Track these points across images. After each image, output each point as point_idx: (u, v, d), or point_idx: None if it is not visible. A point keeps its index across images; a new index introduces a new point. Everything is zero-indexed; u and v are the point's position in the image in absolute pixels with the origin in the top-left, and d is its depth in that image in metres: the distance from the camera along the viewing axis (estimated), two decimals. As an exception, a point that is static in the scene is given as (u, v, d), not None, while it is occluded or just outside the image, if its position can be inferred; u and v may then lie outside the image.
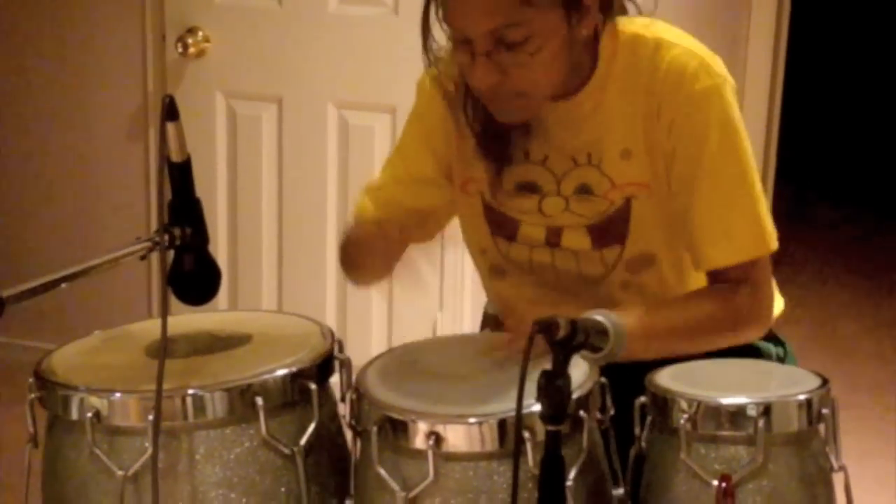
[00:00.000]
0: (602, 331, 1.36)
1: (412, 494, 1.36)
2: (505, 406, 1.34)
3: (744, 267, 1.59)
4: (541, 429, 1.28)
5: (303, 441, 1.42)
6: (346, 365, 1.52)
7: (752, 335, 1.66)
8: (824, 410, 1.41)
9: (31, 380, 1.46)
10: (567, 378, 1.26)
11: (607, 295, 1.69)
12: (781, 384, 1.45)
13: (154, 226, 1.42)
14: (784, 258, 1.70)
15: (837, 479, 1.44)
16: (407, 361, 1.56)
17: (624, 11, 1.63)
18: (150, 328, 1.58)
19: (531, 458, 1.33)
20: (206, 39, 3.13)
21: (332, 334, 1.56)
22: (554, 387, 1.25)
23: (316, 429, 1.44)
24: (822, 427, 1.42)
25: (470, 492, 1.36)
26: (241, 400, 1.40)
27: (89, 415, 1.38)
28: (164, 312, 1.36)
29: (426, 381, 1.49)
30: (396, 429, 1.38)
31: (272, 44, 3.10)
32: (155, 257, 1.41)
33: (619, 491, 1.47)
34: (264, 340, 1.56)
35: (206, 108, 3.16)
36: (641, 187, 1.62)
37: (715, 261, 1.60)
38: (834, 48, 6.46)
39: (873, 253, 5.11)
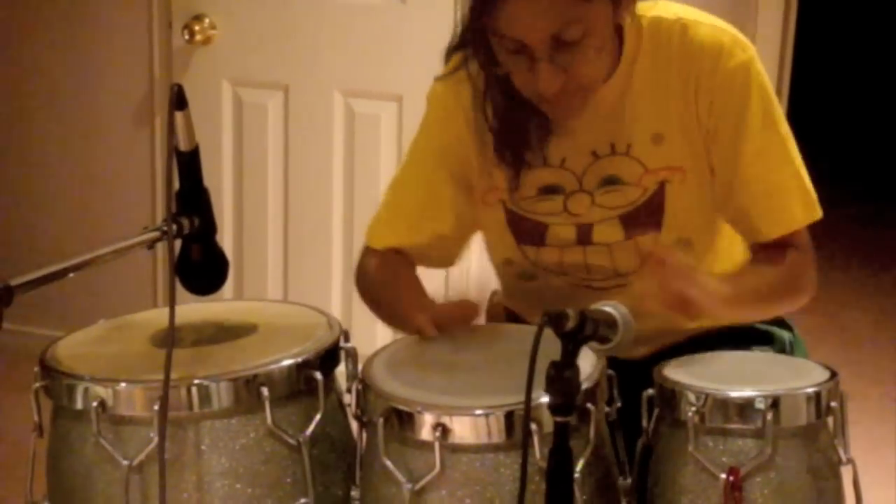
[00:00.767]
0: (611, 322, 1.36)
1: (418, 486, 1.35)
2: (512, 397, 1.33)
3: (794, 235, 1.62)
4: (548, 420, 1.27)
5: (308, 431, 1.42)
6: (351, 355, 1.52)
7: (805, 299, 1.66)
8: (833, 403, 1.40)
9: (36, 369, 1.46)
10: (576, 369, 1.25)
11: (641, 287, 1.67)
12: (790, 377, 1.44)
13: (161, 214, 1.42)
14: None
15: (846, 472, 1.43)
16: (413, 352, 1.56)
17: None
18: (155, 317, 1.58)
19: (538, 450, 1.32)
20: (213, 26, 3.12)
21: (339, 324, 1.55)
22: (563, 378, 1.25)
23: (321, 419, 1.43)
24: (830, 420, 1.41)
25: (476, 484, 1.35)
26: (247, 390, 1.40)
27: (94, 404, 1.38)
28: (172, 302, 1.35)
29: (432, 373, 1.48)
30: (402, 420, 1.37)
31: (279, 31, 3.09)
32: (162, 247, 1.40)
33: (626, 483, 1.47)
34: (270, 330, 1.55)
35: (212, 95, 3.16)
36: (675, 171, 1.62)
37: (769, 232, 1.61)
38: (843, 32, 6.44)
39: (881, 243, 5.10)
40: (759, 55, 1.62)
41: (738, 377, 1.44)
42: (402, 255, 1.74)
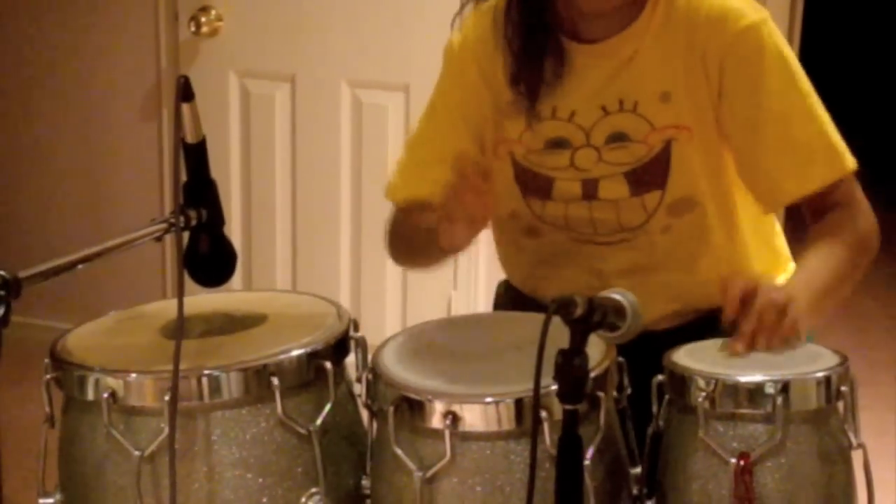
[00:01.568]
0: (619, 309, 1.36)
1: (429, 474, 1.36)
2: (522, 385, 1.33)
3: (831, 192, 1.61)
4: (558, 408, 1.27)
5: (319, 421, 1.42)
6: (361, 345, 1.52)
7: (875, 249, 1.67)
8: (843, 388, 1.39)
9: (46, 360, 1.46)
10: (585, 357, 1.25)
11: (647, 241, 1.69)
12: (800, 362, 1.44)
13: (168, 206, 1.42)
14: (801, 234, 1.70)
15: (856, 457, 1.43)
16: (423, 341, 1.56)
17: None
18: (165, 309, 1.58)
19: (548, 437, 1.32)
20: (219, 18, 3.13)
21: (348, 314, 1.55)
22: (571, 365, 1.25)
23: (332, 409, 1.43)
24: (840, 404, 1.41)
25: (487, 471, 1.36)
26: (257, 380, 1.40)
27: (105, 395, 1.38)
28: (180, 294, 1.36)
29: (442, 361, 1.48)
30: (413, 408, 1.37)
31: (285, 22, 3.09)
32: (170, 239, 1.41)
33: (637, 470, 1.47)
34: (280, 320, 1.56)
35: (218, 87, 3.16)
36: (682, 130, 1.63)
37: (792, 193, 1.62)
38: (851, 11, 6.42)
39: (891, 226, 5.08)
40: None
41: (748, 362, 1.44)
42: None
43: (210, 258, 1.46)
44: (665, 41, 1.63)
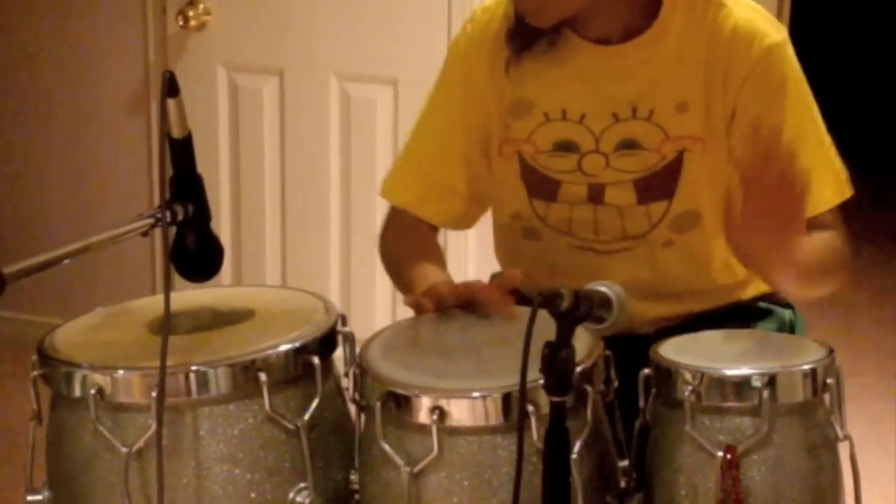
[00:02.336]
0: (606, 301, 1.36)
1: (417, 469, 1.36)
2: (509, 379, 1.33)
3: (828, 215, 1.63)
4: (545, 401, 1.28)
5: (306, 416, 1.42)
6: (349, 339, 1.52)
7: (845, 277, 1.67)
8: (829, 380, 1.40)
9: (34, 357, 1.46)
10: (571, 349, 1.26)
11: (649, 254, 1.70)
12: (786, 354, 1.44)
13: (156, 202, 1.42)
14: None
15: (843, 449, 1.43)
16: (410, 336, 1.56)
17: None
18: (152, 304, 1.58)
19: (535, 431, 1.32)
20: (207, 12, 3.12)
21: (336, 309, 1.55)
22: (558, 358, 1.25)
23: (320, 404, 1.43)
24: (826, 397, 1.41)
25: (474, 466, 1.36)
26: (245, 375, 1.40)
27: (93, 392, 1.38)
28: (167, 289, 1.36)
29: (430, 356, 1.48)
30: (400, 403, 1.37)
31: (273, 16, 3.09)
32: (157, 234, 1.40)
33: (624, 463, 1.47)
34: (267, 315, 1.56)
35: (207, 81, 3.15)
36: (696, 141, 1.64)
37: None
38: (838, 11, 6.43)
39: (878, 219, 5.10)
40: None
41: (734, 355, 1.45)
42: (422, 224, 1.77)
43: (197, 253, 1.46)
44: (685, 51, 1.62)
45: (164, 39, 3.20)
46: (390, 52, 2.98)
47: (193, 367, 1.39)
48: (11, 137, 3.53)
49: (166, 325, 1.33)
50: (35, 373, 1.45)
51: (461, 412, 1.35)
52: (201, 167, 1.47)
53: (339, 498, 1.47)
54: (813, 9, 4.88)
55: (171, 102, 1.40)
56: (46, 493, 1.47)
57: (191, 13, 3.10)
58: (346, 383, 1.50)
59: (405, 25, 2.95)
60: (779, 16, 3.06)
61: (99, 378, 1.39)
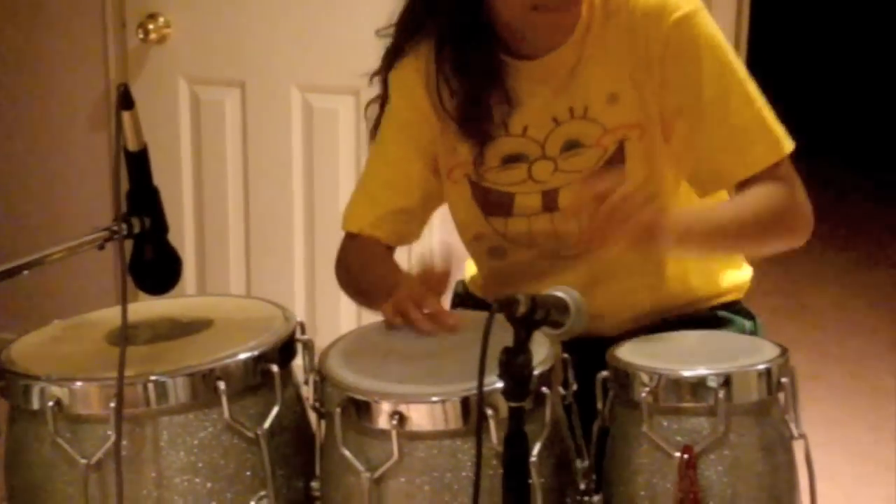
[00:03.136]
0: (562, 306, 1.37)
1: (377, 474, 1.36)
2: (467, 384, 1.33)
3: (769, 172, 1.62)
4: (504, 406, 1.28)
5: (266, 424, 1.42)
6: (308, 347, 1.52)
7: (798, 234, 1.66)
8: (783, 379, 1.42)
9: (-9, 371, 1.45)
10: (528, 354, 1.27)
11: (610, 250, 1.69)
12: (741, 355, 1.46)
13: (117, 215, 1.41)
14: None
15: (798, 447, 1.45)
16: (369, 342, 1.56)
17: None
18: (110, 316, 1.58)
19: (495, 434, 1.33)
20: (167, 25, 3.11)
21: (295, 317, 1.55)
22: (515, 363, 1.26)
23: (279, 412, 1.44)
24: (781, 396, 1.43)
25: (434, 470, 1.37)
26: (204, 385, 1.40)
27: (51, 404, 1.38)
28: (124, 301, 1.36)
29: (389, 362, 1.49)
30: (360, 409, 1.38)
31: (234, 28, 3.08)
32: (114, 246, 1.40)
33: (583, 465, 1.48)
34: (226, 325, 1.56)
35: (168, 94, 3.14)
36: (633, 128, 1.65)
37: (734, 175, 1.63)
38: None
39: (844, 222, 5.15)
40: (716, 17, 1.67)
41: (690, 356, 1.46)
42: (377, 242, 1.78)
43: (154, 265, 1.46)
44: (608, 44, 1.64)
45: (124, 53, 3.19)
46: (351, 62, 2.97)
47: (152, 377, 1.39)
48: (-28, 152, 3.50)
49: (123, 335, 1.33)
50: (-8, 386, 1.44)
51: (421, 417, 1.36)
52: (164, 180, 1.47)
53: (300, 505, 1.48)
54: (774, 12, 4.92)
55: (126, 115, 1.40)
56: (6, 506, 1.47)
57: (151, 26, 3.09)
58: (307, 391, 1.50)
59: (366, 36, 2.95)
60: (738, 18, 3.08)
61: (57, 390, 1.39)
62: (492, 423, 1.34)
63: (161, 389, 1.39)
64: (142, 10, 3.11)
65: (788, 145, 1.64)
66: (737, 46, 2.98)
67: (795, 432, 1.43)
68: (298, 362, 1.53)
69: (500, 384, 1.27)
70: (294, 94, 3.07)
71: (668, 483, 1.39)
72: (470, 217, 1.76)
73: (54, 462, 1.40)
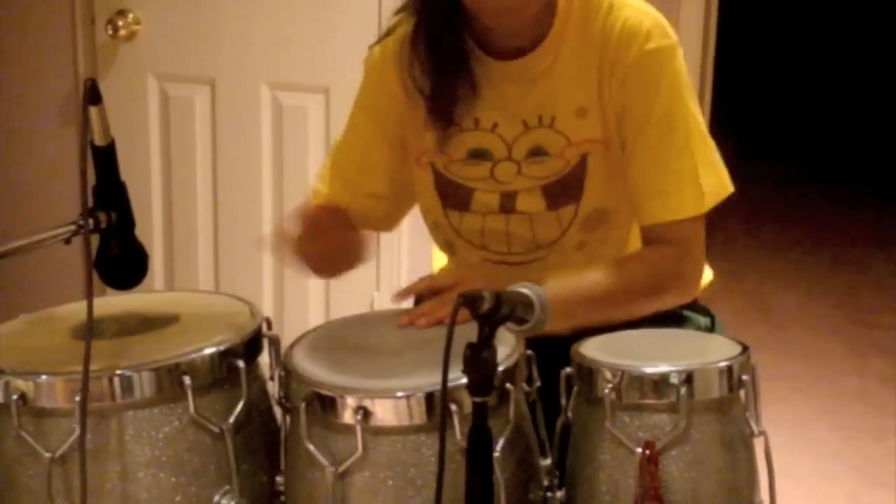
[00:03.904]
0: (527, 303, 1.38)
1: (341, 469, 1.37)
2: (432, 379, 1.35)
3: (676, 227, 1.63)
4: (468, 401, 1.29)
5: (231, 419, 1.43)
6: (274, 343, 1.53)
7: (676, 300, 1.70)
8: (744, 377, 1.44)
9: (-45, 365, 1.45)
10: (492, 350, 1.27)
11: (562, 260, 1.72)
12: (703, 352, 1.48)
13: (84, 209, 1.41)
14: (716, 230, 1.73)
15: (758, 444, 1.47)
16: (335, 337, 1.57)
17: None
18: (76, 311, 1.57)
19: (458, 430, 1.34)
20: (137, 21, 3.10)
21: (261, 313, 1.56)
22: (479, 359, 1.26)
23: (245, 406, 1.44)
24: (742, 393, 1.45)
25: (399, 465, 1.37)
26: (169, 379, 1.40)
27: (15, 397, 1.38)
28: (89, 295, 1.36)
29: (354, 357, 1.50)
30: (324, 404, 1.39)
31: (203, 25, 3.08)
32: (80, 241, 1.40)
33: (547, 461, 1.50)
34: (192, 320, 1.56)
35: (137, 90, 3.13)
36: (597, 144, 1.66)
37: (650, 216, 1.65)
38: (765, 18, 6.53)
39: (806, 225, 5.19)
40: (684, 24, 1.67)
41: (653, 353, 1.47)
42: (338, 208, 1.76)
43: (121, 260, 1.46)
44: (581, 57, 1.65)
45: (93, 49, 3.17)
46: (321, 60, 2.99)
47: (118, 371, 1.39)
48: (-61, 147, 3.48)
49: (89, 329, 1.33)
50: (-43, 380, 1.44)
51: (385, 412, 1.37)
52: (133, 176, 1.47)
53: (264, 499, 1.48)
54: (743, 18, 4.96)
55: (93, 110, 1.40)
56: (-30, 501, 1.46)
57: (120, 23, 3.08)
58: (272, 386, 1.51)
59: (336, 34, 2.96)
60: (706, 22, 3.10)
61: (21, 383, 1.39)
62: (456, 419, 1.35)
63: (126, 383, 1.39)
64: (111, 6, 3.10)
65: (706, 206, 1.65)
66: (704, 53, 3.00)
67: (756, 429, 1.45)
68: (265, 358, 1.53)
69: (464, 380, 1.28)
70: (264, 92, 3.07)
71: (630, 479, 1.40)
72: (429, 205, 1.78)
73: (18, 456, 1.40)
